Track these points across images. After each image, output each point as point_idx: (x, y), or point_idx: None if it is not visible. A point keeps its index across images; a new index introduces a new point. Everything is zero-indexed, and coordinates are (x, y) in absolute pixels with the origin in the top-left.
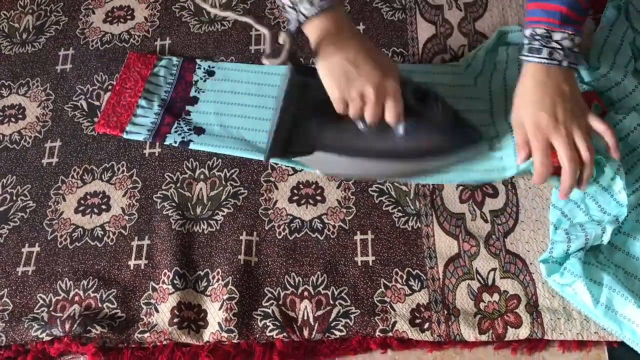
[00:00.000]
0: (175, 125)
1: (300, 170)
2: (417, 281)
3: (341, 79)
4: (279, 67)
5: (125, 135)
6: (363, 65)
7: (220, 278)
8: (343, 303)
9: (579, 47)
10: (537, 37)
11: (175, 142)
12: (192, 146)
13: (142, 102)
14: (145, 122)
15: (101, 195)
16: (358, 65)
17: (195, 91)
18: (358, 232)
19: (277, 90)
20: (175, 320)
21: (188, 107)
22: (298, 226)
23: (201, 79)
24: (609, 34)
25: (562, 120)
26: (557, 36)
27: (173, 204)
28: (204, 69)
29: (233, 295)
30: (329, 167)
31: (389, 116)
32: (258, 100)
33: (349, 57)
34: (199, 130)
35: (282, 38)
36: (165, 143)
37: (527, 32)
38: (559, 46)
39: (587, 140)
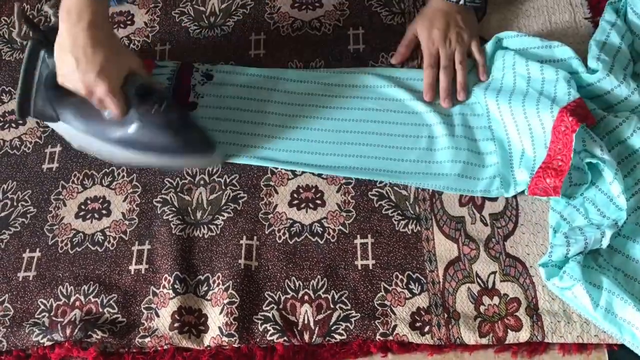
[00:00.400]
0: None
1: (301, 174)
2: (417, 285)
3: (63, 68)
4: (278, 71)
5: None
6: (83, 61)
7: (221, 282)
8: (343, 307)
9: None
10: None
11: None
12: None
13: None
14: None
15: (101, 200)
16: (79, 61)
17: (194, 96)
18: (358, 236)
19: None
20: (176, 324)
21: None
22: (298, 230)
23: (199, 82)
24: (607, 37)
25: (450, 39)
26: None
27: (173, 208)
28: (202, 72)
29: (233, 299)
30: (75, 140)
31: (110, 112)
32: (258, 105)
33: (75, 50)
34: None
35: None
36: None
37: None
38: None
39: (464, 57)
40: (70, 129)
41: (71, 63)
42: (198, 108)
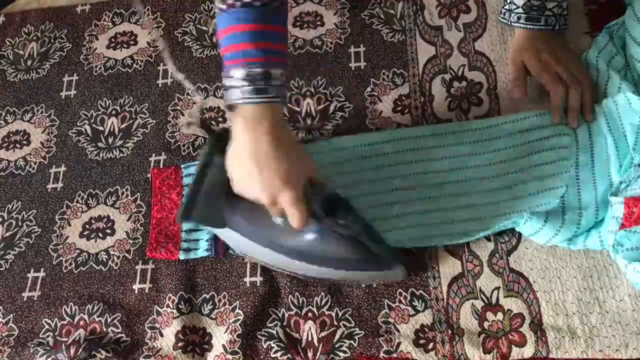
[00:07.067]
0: None
1: None
2: (420, 301)
3: (242, 177)
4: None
5: (182, 258)
6: (267, 170)
7: (227, 302)
8: (347, 324)
9: (567, 10)
10: (535, 8)
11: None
12: None
13: (186, 226)
14: (200, 245)
15: (105, 219)
16: (261, 169)
17: None
18: None
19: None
20: (180, 344)
21: None
22: None
23: None
24: (598, 56)
25: (559, 57)
26: (550, 5)
27: None
28: None
29: (238, 317)
30: (240, 247)
31: (292, 222)
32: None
33: (257, 158)
34: None
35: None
36: (230, 252)
37: (521, 2)
38: (551, 13)
39: (583, 70)
40: (236, 235)
41: (253, 172)
42: None
